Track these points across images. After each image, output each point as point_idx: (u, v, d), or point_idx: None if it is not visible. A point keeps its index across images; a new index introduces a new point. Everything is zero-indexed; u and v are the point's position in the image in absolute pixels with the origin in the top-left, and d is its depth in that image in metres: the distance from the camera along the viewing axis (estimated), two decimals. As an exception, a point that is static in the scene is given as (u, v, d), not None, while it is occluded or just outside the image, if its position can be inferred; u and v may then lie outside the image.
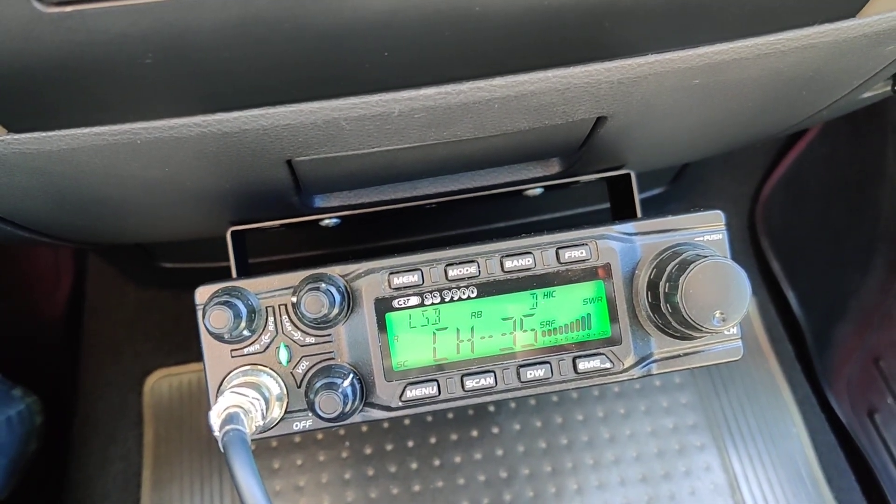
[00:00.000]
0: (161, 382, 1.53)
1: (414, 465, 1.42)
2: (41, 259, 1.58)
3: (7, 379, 1.29)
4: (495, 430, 1.46)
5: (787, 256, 1.63)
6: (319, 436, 1.45)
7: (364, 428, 1.45)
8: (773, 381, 1.55)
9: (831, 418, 1.51)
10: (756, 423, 1.50)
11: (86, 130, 0.55)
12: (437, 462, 1.43)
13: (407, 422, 1.46)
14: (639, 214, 0.90)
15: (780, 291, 1.64)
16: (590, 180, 0.94)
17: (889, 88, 0.88)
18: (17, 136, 0.55)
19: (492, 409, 1.48)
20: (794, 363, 1.58)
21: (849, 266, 1.45)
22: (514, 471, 1.42)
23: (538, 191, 0.95)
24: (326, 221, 0.91)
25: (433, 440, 1.45)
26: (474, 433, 1.45)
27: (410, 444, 1.44)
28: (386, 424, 1.46)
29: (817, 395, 1.54)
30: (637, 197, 0.91)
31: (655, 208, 1.55)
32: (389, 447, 1.44)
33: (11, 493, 1.23)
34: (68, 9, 0.43)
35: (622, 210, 0.94)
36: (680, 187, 1.53)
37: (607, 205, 1.00)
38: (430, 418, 1.47)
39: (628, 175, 0.92)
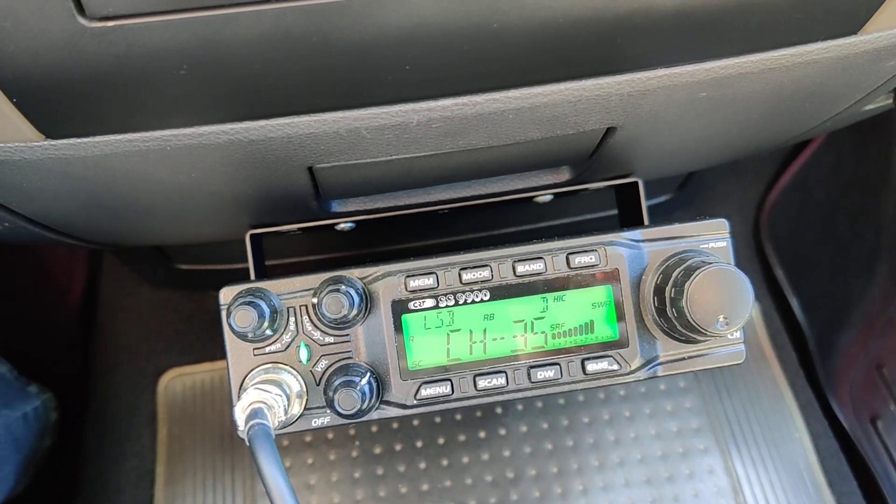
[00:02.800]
0: (175, 381, 1.54)
1: (422, 465, 1.44)
2: (55, 258, 1.59)
3: (22, 376, 1.30)
4: (502, 431, 1.47)
5: (791, 263, 1.64)
6: (330, 435, 1.46)
7: (374, 428, 1.47)
8: (777, 387, 1.56)
9: (834, 424, 1.51)
10: (759, 427, 1.51)
11: (119, 137, 0.57)
12: (445, 462, 1.44)
13: (416, 422, 1.47)
14: (646, 221, 0.92)
15: (783, 298, 1.64)
16: (598, 188, 0.96)
17: (890, 101, 0.90)
18: (54, 142, 0.57)
19: (499, 410, 1.49)
20: (797, 369, 1.59)
21: (852, 273, 1.45)
22: (520, 471, 1.44)
23: (548, 197, 0.97)
24: (342, 225, 0.92)
25: (441, 441, 1.46)
26: (482, 434, 1.47)
27: (419, 444, 1.46)
28: (395, 425, 1.47)
29: (820, 401, 1.54)
30: (644, 204, 0.92)
31: (662, 215, 1.55)
32: (399, 447, 1.45)
33: (26, 488, 1.24)
34: (111, 24, 0.45)
35: (629, 217, 0.96)
36: (686, 194, 1.54)
37: (614, 211, 1.02)
38: (438, 419, 1.48)
39: (636, 183, 0.93)
